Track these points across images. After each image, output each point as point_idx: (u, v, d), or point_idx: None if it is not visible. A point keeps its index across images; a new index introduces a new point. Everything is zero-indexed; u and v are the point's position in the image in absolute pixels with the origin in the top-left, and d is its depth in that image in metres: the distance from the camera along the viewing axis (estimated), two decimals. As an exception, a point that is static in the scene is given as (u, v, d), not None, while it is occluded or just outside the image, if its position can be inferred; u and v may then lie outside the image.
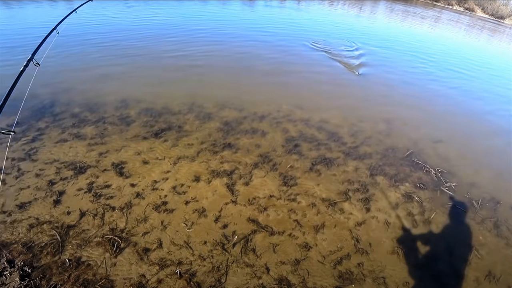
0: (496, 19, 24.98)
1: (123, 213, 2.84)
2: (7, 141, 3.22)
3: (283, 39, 9.38)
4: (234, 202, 3.12)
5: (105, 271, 2.33)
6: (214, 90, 5.49)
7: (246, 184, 3.38)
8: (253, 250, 2.65)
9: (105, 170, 3.34)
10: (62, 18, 2.93)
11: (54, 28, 2.70)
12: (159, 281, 2.31)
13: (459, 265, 2.83)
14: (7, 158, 3.27)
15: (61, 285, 2.19)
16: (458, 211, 3.46)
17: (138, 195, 3.06)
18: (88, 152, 3.59)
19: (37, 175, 3.15)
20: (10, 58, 5.85)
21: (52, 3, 11.50)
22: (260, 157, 3.85)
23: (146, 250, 2.52)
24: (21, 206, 2.78)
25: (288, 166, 3.76)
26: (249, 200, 3.17)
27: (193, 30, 9.24)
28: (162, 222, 2.79)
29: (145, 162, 3.52)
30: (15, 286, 2.16)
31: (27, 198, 2.88)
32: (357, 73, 7.34)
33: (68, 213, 2.78)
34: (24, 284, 2.17)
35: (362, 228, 3.03)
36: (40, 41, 2.40)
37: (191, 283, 2.32)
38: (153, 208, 2.92)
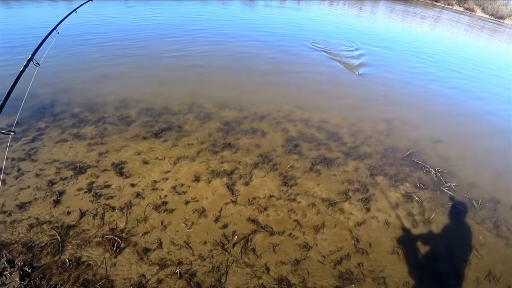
0: (496, 19, 24.98)
1: (123, 213, 2.84)
2: (7, 141, 3.22)
3: (283, 39, 9.38)
4: (234, 202, 3.12)
5: (105, 271, 2.33)
6: (214, 90, 5.49)
7: (246, 184, 3.38)
8: (253, 250, 2.65)
9: (105, 170, 3.34)
10: (62, 18, 2.93)
11: (54, 28, 2.69)
12: (159, 281, 2.31)
13: (459, 265, 2.83)
14: (7, 158, 3.27)
15: (61, 285, 2.19)
16: (458, 211, 3.46)
17: (138, 195, 3.06)
18: (88, 152, 3.59)
19: (37, 175, 3.15)
20: (10, 58, 5.85)
21: (52, 3, 11.51)
22: (260, 157, 3.85)
23: (146, 250, 2.52)
24: (21, 206, 2.78)
25: (288, 166, 3.76)
26: (249, 200, 3.17)
27: (193, 30, 9.25)
28: (162, 222, 2.79)
29: (145, 162, 3.52)
30: (15, 286, 2.16)
31: (27, 198, 2.88)
32: (357, 73, 7.34)
33: (68, 213, 2.78)
34: (24, 284, 2.17)
35: (362, 228, 3.03)
36: (40, 41, 2.40)
37: (191, 283, 2.32)
38: (153, 208, 2.92)
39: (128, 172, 3.35)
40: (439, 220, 3.29)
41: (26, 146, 3.54)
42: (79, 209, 2.83)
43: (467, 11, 26.85)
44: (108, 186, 3.13)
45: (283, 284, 2.41)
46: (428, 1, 28.91)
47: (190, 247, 2.60)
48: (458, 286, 2.66)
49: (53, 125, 4.00)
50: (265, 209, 3.08)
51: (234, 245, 2.67)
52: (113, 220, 2.75)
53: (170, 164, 3.53)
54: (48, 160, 3.38)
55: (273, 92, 5.79)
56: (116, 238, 2.57)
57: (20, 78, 1.88)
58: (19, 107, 2.56)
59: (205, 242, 2.66)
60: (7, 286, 2.16)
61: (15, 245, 2.43)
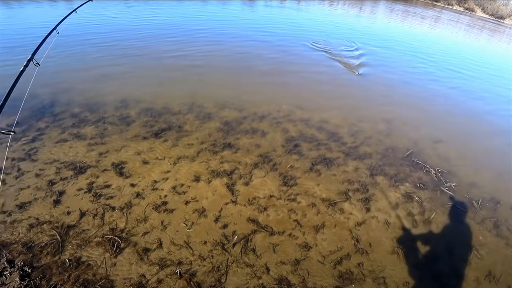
0: (496, 19, 24.98)
1: (123, 213, 2.84)
2: (7, 141, 3.22)
3: (283, 39, 9.38)
4: (234, 202, 3.12)
5: (105, 271, 2.33)
6: (214, 90, 5.49)
7: (246, 184, 3.38)
8: (253, 250, 2.65)
9: (105, 170, 3.34)
10: (62, 18, 2.93)
11: (54, 28, 2.69)
12: (159, 281, 2.31)
13: (459, 265, 2.83)
14: (7, 158, 3.27)
15: (61, 285, 2.19)
16: (458, 211, 3.46)
17: (138, 195, 3.06)
18: (88, 152, 3.59)
19: (37, 175, 3.15)
20: (10, 58, 5.85)
21: (52, 3, 11.51)
22: (260, 157, 3.85)
23: (146, 250, 2.52)
24: (21, 206, 2.78)
25: (288, 166, 3.76)
26: (249, 200, 3.17)
27: (193, 30, 9.25)
28: (162, 222, 2.79)
29: (145, 162, 3.52)
30: (15, 286, 2.16)
31: (27, 198, 2.88)
32: (357, 73, 7.34)
33: (68, 213, 2.78)
34: (24, 284, 2.17)
35: (362, 228, 3.03)
36: (40, 41, 2.40)
37: (191, 283, 2.32)
38: (153, 208, 2.92)
39: (128, 172, 3.35)
40: (439, 220, 3.29)
41: (26, 146, 3.54)
42: (79, 209, 2.83)
43: (467, 11, 26.85)
44: (108, 186, 3.13)
45: (283, 284, 2.41)
46: (428, 1, 28.91)
47: (190, 247, 2.60)
48: (458, 286, 2.66)
49: (53, 125, 4.00)
50: (265, 209, 3.08)
51: (234, 245, 2.67)
52: (113, 220, 2.75)
53: (170, 164, 3.53)
54: (48, 160, 3.38)
55: (273, 92, 5.79)
56: (116, 238, 2.57)
57: (20, 78, 1.88)
58: (19, 107, 2.56)
59: (205, 242, 2.66)
60: (7, 286, 2.16)
61: (15, 245, 2.43)
